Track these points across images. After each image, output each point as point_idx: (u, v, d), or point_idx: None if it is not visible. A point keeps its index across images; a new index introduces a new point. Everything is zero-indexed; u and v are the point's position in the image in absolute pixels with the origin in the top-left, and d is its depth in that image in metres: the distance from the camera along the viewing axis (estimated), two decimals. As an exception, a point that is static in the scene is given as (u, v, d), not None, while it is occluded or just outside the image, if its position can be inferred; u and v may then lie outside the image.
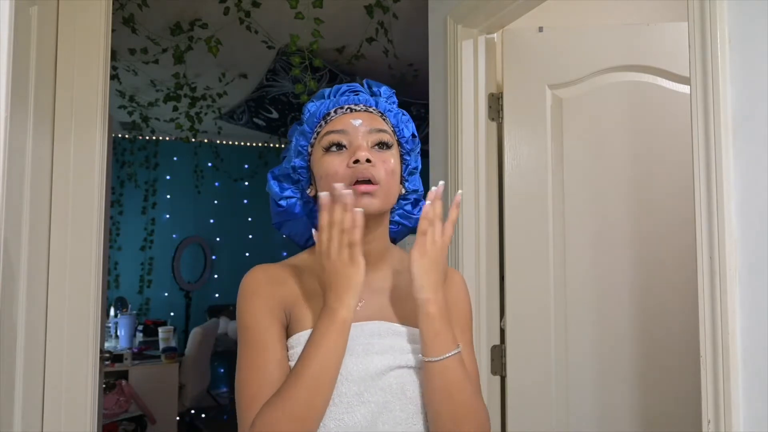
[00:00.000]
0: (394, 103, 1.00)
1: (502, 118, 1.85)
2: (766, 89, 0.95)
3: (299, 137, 0.96)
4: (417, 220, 0.98)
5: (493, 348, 1.81)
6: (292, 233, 1.04)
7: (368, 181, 0.88)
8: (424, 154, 2.06)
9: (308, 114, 0.95)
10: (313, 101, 0.98)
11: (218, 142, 5.50)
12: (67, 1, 1.55)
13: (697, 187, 1.03)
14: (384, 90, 1.00)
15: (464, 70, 1.84)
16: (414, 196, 1.00)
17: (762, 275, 0.94)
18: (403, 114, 0.99)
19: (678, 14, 1.51)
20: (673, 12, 1.81)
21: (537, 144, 1.84)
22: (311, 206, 0.98)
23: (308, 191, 0.97)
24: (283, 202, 0.97)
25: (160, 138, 5.26)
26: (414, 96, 3.53)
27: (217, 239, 5.60)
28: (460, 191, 0.94)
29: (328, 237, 0.85)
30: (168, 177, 5.46)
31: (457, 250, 1.80)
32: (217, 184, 5.61)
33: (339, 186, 0.84)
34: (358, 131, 0.91)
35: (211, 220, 5.60)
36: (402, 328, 0.93)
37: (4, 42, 0.90)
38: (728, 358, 0.96)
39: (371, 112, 0.95)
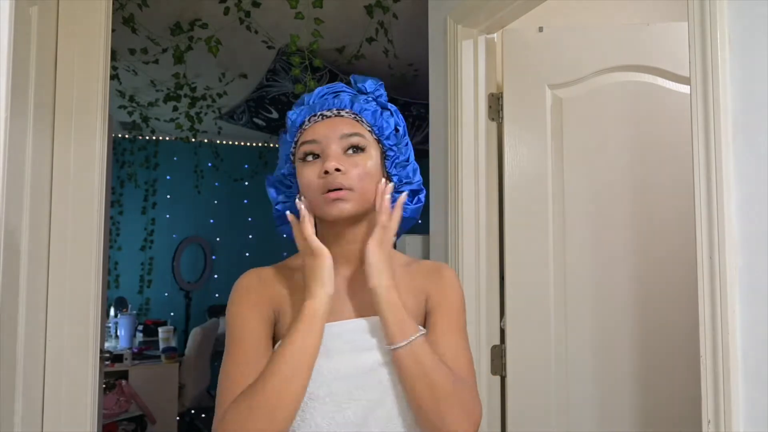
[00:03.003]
0: (381, 96, 1.00)
1: (502, 118, 1.85)
2: (766, 89, 0.95)
3: (285, 146, 0.99)
4: (412, 210, 1.01)
5: (493, 348, 1.81)
6: (291, 234, 1.05)
7: (339, 188, 0.90)
8: (424, 154, 2.07)
9: (290, 122, 0.98)
10: (294, 109, 1.00)
11: (218, 142, 5.50)
12: (67, 1, 1.55)
13: (697, 187, 1.03)
14: (369, 85, 1.00)
15: (464, 70, 1.84)
16: (408, 187, 1.00)
17: (762, 275, 0.94)
18: (385, 109, 0.99)
19: (678, 14, 1.50)
20: (673, 12, 1.81)
21: (537, 144, 1.84)
22: None
23: (297, 197, 0.98)
24: (279, 207, 1.02)
25: (160, 138, 5.26)
26: (414, 96, 3.53)
27: (217, 239, 5.60)
28: (405, 193, 0.97)
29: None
30: (168, 177, 5.46)
31: (457, 250, 1.80)
32: (217, 184, 5.61)
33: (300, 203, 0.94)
34: (329, 139, 0.92)
35: (211, 220, 5.59)
36: None
37: (4, 42, 0.91)
38: (728, 358, 0.96)
39: (343, 115, 0.95)
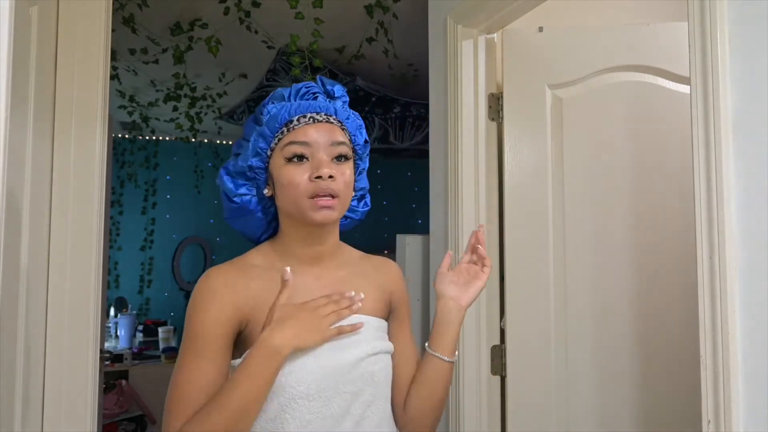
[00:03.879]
0: (346, 102, 1.03)
1: (502, 118, 1.85)
2: (766, 89, 0.95)
3: (258, 138, 0.97)
4: (362, 213, 1.07)
5: (493, 348, 1.80)
6: (244, 229, 1.05)
7: (328, 195, 0.92)
8: (424, 154, 2.07)
9: (268, 116, 0.97)
10: (273, 103, 0.99)
11: (218, 142, 5.50)
12: (67, 1, 1.55)
13: (697, 187, 1.03)
14: (337, 90, 1.02)
15: (464, 70, 1.84)
16: (360, 192, 1.06)
17: (762, 275, 0.94)
18: (357, 119, 1.02)
19: (678, 14, 1.50)
20: (673, 12, 1.81)
21: (537, 144, 1.84)
22: (266, 203, 1.01)
23: (265, 191, 0.99)
24: (237, 199, 1.00)
25: (160, 138, 5.26)
26: (414, 96, 3.52)
27: (217, 239, 5.60)
28: (482, 224, 1.05)
29: (328, 303, 0.91)
30: (168, 177, 5.45)
31: (457, 250, 1.80)
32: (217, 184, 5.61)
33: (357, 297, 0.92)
34: (320, 144, 0.94)
35: (211, 220, 5.59)
36: (362, 318, 0.97)
37: (4, 42, 0.90)
38: (728, 358, 0.96)
39: (332, 122, 0.97)
